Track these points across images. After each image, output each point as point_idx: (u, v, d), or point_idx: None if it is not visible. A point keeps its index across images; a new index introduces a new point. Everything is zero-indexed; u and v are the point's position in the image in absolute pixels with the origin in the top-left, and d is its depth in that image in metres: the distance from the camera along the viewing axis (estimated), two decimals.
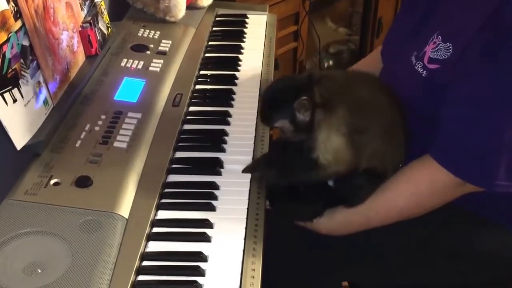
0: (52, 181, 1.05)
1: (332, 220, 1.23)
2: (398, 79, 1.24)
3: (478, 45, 1.08)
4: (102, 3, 1.49)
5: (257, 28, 1.75)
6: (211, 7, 1.78)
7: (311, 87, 1.10)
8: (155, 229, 1.04)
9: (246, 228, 1.05)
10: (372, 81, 1.25)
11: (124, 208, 1.03)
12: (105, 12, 1.50)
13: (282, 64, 2.36)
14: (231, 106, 1.39)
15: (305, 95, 1.08)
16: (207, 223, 1.05)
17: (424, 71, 1.17)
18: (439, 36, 1.16)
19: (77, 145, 1.15)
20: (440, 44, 1.15)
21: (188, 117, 1.33)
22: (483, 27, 1.08)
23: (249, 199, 1.12)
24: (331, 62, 2.87)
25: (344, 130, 1.10)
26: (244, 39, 1.68)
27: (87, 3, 1.44)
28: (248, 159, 1.22)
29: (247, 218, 1.08)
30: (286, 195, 1.23)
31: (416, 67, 1.19)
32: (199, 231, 1.03)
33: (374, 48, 2.84)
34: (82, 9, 1.40)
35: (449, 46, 1.13)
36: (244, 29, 1.73)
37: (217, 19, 1.77)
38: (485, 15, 1.08)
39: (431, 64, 1.16)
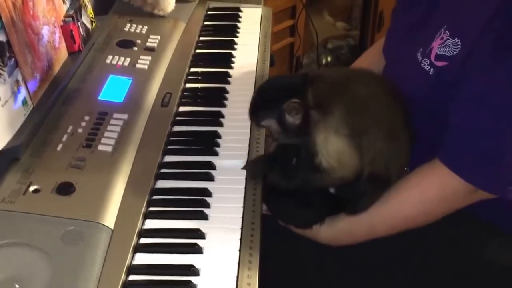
0: (31, 188, 1.03)
1: (333, 228, 1.21)
2: (403, 78, 1.22)
3: (488, 38, 1.06)
4: None
5: (252, 22, 1.73)
6: (202, 0, 1.77)
7: (305, 88, 1.09)
8: (143, 240, 1.02)
9: (241, 239, 1.03)
10: (371, 78, 1.23)
11: (109, 217, 1.01)
12: (89, 6, 1.47)
13: (278, 61, 2.33)
14: (224, 106, 1.37)
15: (296, 96, 1.07)
16: (199, 233, 1.03)
17: (431, 69, 1.15)
18: (447, 31, 1.14)
19: (59, 148, 1.12)
20: (448, 40, 1.13)
21: (178, 118, 1.31)
22: (493, 18, 1.06)
23: (244, 206, 1.10)
24: (329, 58, 2.85)
25: (345, 131, 1.08)
26: (237, 34, 1.66)
27: None
28: (242, 162, 1.20)
29: (242, 228, 1.05)
30: (284, 198, 1.21)
31: (422, 65, 1.17)
32: (190, 242, 1.01)
33: (375, 43, 2.82)
34: (64, 2, 1.38)
35: (458, 41, 1.11)
36: (238, 24, 1.71)
37: (208, 13, 1.76)
38: (494, 5, 1.06)
39: (438, 61, 1.14)
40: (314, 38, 2.72)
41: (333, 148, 1.08)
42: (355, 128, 1.09)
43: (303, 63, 2.65)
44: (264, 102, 1.13)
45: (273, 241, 1.12)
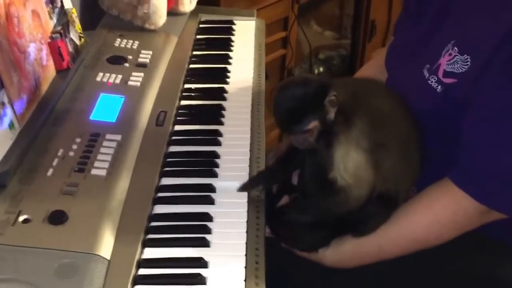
0: (21, 218, 0.97)
1: (339, 251, 1.16)
2: (408, 94, 1.18)
3: (501, 57, 1.02)
4: (73, 10, 1.41)
5: (246, 35, 1.68)
6: (193, 13, 1.71)
7: (331, 88, 1.03)
8: (142, 271, 0.96)
9: (246, 267, 0.97)
10: (386, 90, 1.20)
11: (105, 247, 0.95)
12: (77, 21, 1.42)
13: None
14: (221, 123, 1.31)
15: (333, 91, 1.01)
16: (201, 262, 0.97)
17: (439, 86, 1.11)
18: (455, 48, 1.10)
19: (49, 174, 1.06)
20: (457, 56, 1.09)
21: (174, 138, 1.25)
22: (507, 36, 1.02)
23: (247, 231, 1.05)
24: (321, 69, 2.81)
25: (365, 145, 1.03)
26: (231, 48, 1.61)
27: (56, 10, 1.36)
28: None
29: (246, 255, 1.00)
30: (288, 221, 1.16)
31: (429, 82, 1.13)
32: (192, 272, 0.95)
33: (367, 53, 2.79)
34: (51, 17, 1.32)
35: (467, 58, 1.08)
36: (231, 37, 1.66)
37: (201, 26, 1.70)
38: (508, 23, 1.03)
39: (446, 78, 1.10)
40: (303, 49, 2.68)
41: (352, 163, 1.03)
42: (374, 142, 1.04)
43: (295, 74, 2.60)
44: (302, 107, 1.03)
45: (276, 264, 1.07)
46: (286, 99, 1.05)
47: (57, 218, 0.97)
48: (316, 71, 2.79)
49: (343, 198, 1.05)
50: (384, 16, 2.81)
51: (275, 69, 2.42)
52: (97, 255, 0.93)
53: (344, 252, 1.16)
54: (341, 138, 1.03)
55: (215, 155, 1.21)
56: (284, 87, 1.07)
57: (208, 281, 0.94)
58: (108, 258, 0.94)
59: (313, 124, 1.03)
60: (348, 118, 1.03)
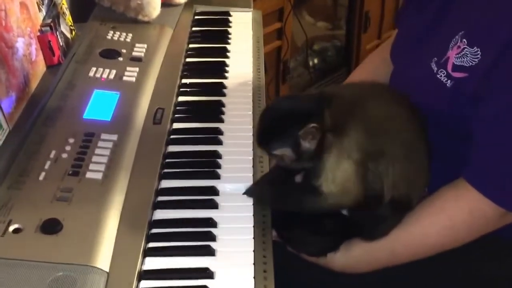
0: (11, 228, 0.90)
1: (349, 255, 1.10)
2: (416, 89, 1.11)
3: (510, 56, 0.96)
4: (64, 1, 1.33)
5: (243, 27, 1.61)
6: (188, 4, 1.64)
7: (322, 110, 0.97)
8: (144, 284, 0.89)
9: (255, 277, 0.90)
10: (389, 94, 1.13)
11: (103, 259, 0.88)
12: (68, 13, 1.35)
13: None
14: (222, 121, 1.24)
15: (314, 121, 0.95)
16: (207, 273, 0.90)
17: (449, 81, 1.05)
18: (464, 39, 1.03)
19: (41, 178, 0.99)
20: (466, 49, 1.02)
21: (172, 137, 1.18)
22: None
23: (254, 238, 0.98)
24: (316, 61, 2.75)
25: (356, 156, 0.98)
26: (229, 40, 1.53)
27: (46, 2, 1.28)
28: (247, 185, 1.07)
29: (254, 264, 0.93)
30: (296, 224, 1.10)
31: (438, 76, 1.06)
32: (198, 285, 0.88)
33: (362, 45, 2.73)
34: (40, 9, 1.25)
35: (477, 51, 1.01)
36: (228, 29, 1.58)
37: (196, 17, 1.63)
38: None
39: (456, 72, 1.04)
40: (298, 40, 2.62)
41: (341, 174, 0.98)
42: (371, 152, 0.99)
43: (290, 66, 2.54)
44: (276, 129, 0.99)
45: (281, 266, 1.00)
46: (266, 120, 1.02)
47: (51, 227, 0.90)
48: (311, 63, 2.73)
49: (323, 202, 1.00)
50: (378, 7, 2.75)
51: (271, 61, 2.37)
52: (94, 267, 0.86)
53: (354, 256, 1.10)
54: (334, 150, 0.98)
55: (217, 155, 1.14)
56: (271, 106, 1.06)
57: None
58: (107, 270, 0.87)
59: (281, 152, 0.99)
60: (342, 130, 0.98)
